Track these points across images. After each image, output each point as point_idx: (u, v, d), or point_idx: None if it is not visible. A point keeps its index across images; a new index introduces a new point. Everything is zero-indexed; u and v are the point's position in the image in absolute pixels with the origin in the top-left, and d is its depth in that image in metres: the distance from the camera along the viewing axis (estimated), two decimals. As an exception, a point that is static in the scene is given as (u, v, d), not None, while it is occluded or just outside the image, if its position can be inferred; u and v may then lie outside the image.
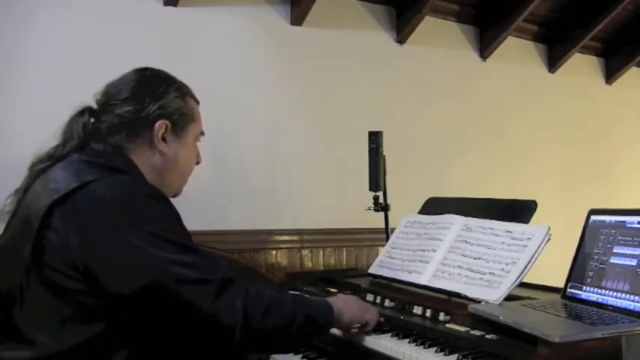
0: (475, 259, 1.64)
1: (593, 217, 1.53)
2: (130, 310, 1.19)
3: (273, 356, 1.70)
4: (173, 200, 1.35)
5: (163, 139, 1.39)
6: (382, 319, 1.55)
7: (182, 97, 1.43)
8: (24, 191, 1.31)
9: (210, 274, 1.22)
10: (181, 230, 1.27)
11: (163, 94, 1.39)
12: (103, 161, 1.29)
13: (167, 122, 1.38)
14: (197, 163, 1.53)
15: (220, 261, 1.30)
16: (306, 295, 1.63)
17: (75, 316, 1.17)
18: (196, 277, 1.19)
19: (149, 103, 1.36)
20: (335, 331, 1.55)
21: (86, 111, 1.38)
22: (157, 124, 1.37)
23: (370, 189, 2.45)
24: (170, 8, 2.69)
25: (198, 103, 1.51)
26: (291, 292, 1.88)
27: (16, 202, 1.33)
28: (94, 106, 1.40)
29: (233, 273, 1.27)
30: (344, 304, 1.47)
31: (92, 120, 1.38)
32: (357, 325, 1.50)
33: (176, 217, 1.28)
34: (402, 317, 1.58)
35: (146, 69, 1.45)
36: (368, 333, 1.51)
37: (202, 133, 1.53)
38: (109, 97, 1.38)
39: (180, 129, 1.42)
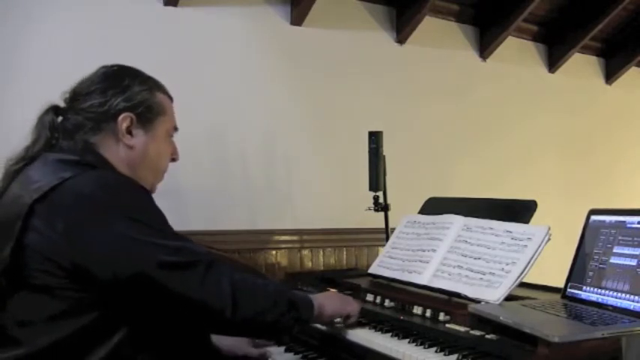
0: (475, 259, 1.63)
1: (593, 217, 1.53)
2: (122, 298, 1.20)
3: (272, 356, 1.71)
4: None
5: (129, 132, 1.37)
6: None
7: (149, 90, 1.41)
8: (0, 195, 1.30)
9: (195, 256, 1.24)
10: (161, 217, 1.28)
11: (128, 86, 1.37)
12: (76, 158, 1.29)
13: (131, 115, 1.36)
14: (173, 160, 1.51)
15: (198, 244, 1.32)
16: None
17: (62, 311, 1.18)
18: (184, 261, 1.21)
19: (112, 96, 1.35)
20: (329, 328, 1.57)
21: (51, 110, 1.37)
22: (121, 117, 1.35)
23: (370, 189, 2.45)
24: (170, 8, 2.70)
25: (171, 99, 1.49)
26: None
27: None
28: (62, 104, 1.39)
29: (213, 257, 1.29)
30: (325, 298, 1.52)
31: (60, 118, 1.37)
32: (341, 318, 1.55)
33: (154, 205, 1.29)
34: (402, 317, 1.58)
35: (114, 65, 1.43)
36: (352, 326, 1.55)
37: (176, 129, 1.50)
38: (75, 94, 1.38)
39: (148, 121, 1.40)
